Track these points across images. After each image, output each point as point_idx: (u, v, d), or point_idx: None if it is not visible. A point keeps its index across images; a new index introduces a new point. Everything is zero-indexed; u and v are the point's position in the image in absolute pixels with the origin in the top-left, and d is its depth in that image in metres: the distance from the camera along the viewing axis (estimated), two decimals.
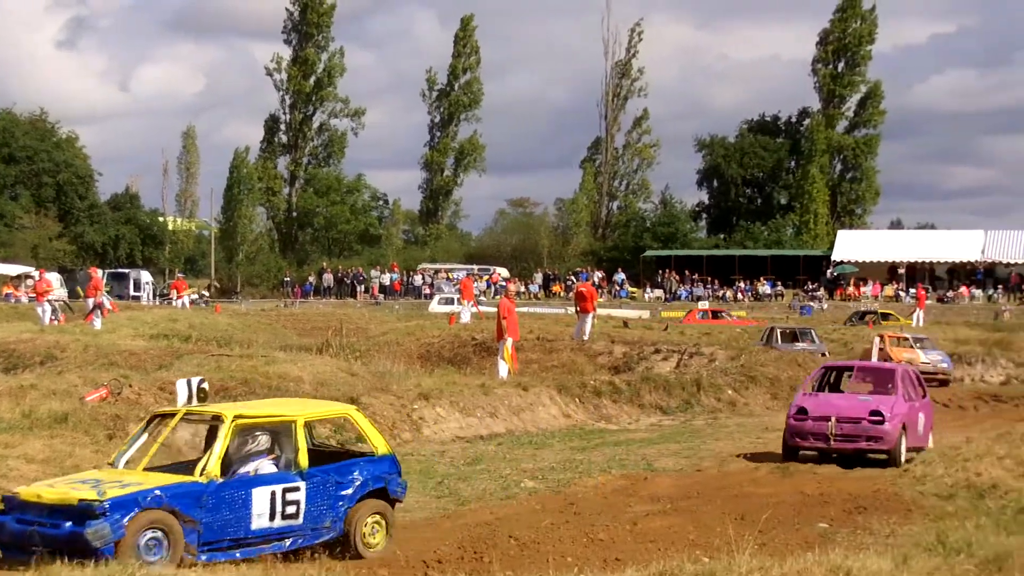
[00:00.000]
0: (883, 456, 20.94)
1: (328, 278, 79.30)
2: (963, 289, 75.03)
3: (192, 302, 61.52)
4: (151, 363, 28.01)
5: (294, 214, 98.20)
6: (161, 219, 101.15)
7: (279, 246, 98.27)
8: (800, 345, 40.02)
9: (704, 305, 63.59)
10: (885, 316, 56.35)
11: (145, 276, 75.80)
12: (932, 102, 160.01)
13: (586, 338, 37.42)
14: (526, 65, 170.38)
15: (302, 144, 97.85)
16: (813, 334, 42.58)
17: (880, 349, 35.38)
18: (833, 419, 20.99)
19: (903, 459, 20.75)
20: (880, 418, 20.98)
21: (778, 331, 42.51)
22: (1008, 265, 77.80)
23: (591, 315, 37.93)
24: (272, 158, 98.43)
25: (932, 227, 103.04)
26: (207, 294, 78.25)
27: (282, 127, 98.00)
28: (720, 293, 78.76)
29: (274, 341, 38.46)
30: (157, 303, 65.03)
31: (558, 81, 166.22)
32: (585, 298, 38.26)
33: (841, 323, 55.75)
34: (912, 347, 37.92)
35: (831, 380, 23.98)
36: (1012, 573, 10.48)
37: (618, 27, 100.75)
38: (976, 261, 78.28)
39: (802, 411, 21.50)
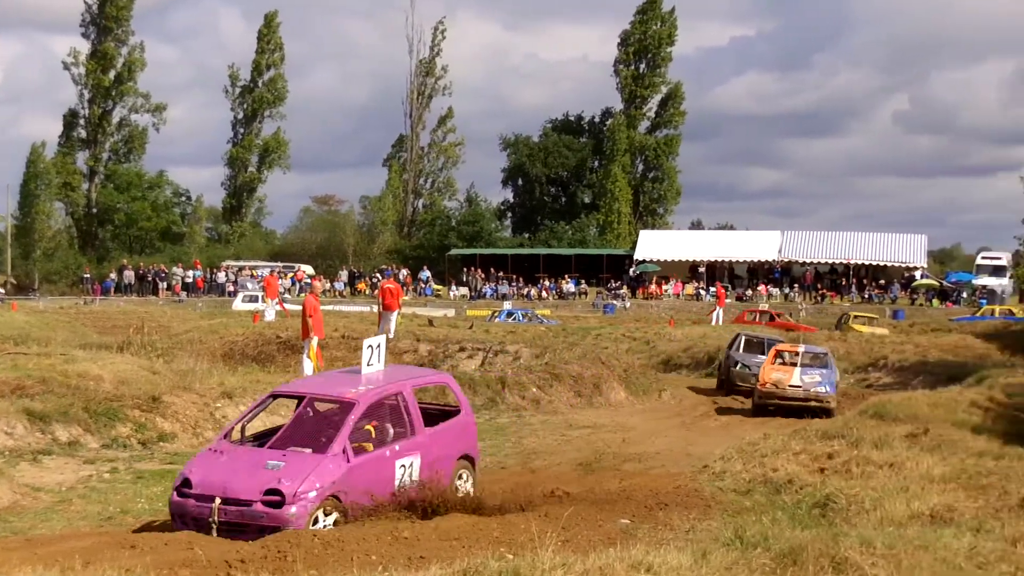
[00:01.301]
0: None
1: (129, 275, 77.73)
2: (761, 287, 76.65)
3: None
4: None
5: (94, 210, 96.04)
6: None
7: (79, 242, 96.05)
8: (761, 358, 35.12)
9: (763, 306, 62.62)
10: (870, 320, 54.95)
11: None
12: (732, 104, 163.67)
13: (391, 336, 37.33)
14: (331, 62, 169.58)
15: (102, 139, 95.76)
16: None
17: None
18: (218, 500, 14.30)
19: None
20: (279, 499, 14.25)
21: (743, 339, 38.57)
22: (804, 264, 79.74)
23: (395, 313, 37.85)
24: (71, 153, 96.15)
25: (731, 227, 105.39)
26: (3, 291, 76.02)
27: (81, 122, 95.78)
28: (525, 291, 79.24)
29: (74, 339, 37.62)
30: None
31: (363, 79, 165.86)
32: (389, 296, 38.20)
33: (643, 321, 56.55)
34: (792, 365, 31.86)
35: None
36: (806, 565, 10.70)
37: (422, 25, 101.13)
38: (774, 260, 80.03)
39: (187, 483, 14.64)
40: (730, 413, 32.76)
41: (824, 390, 30.43)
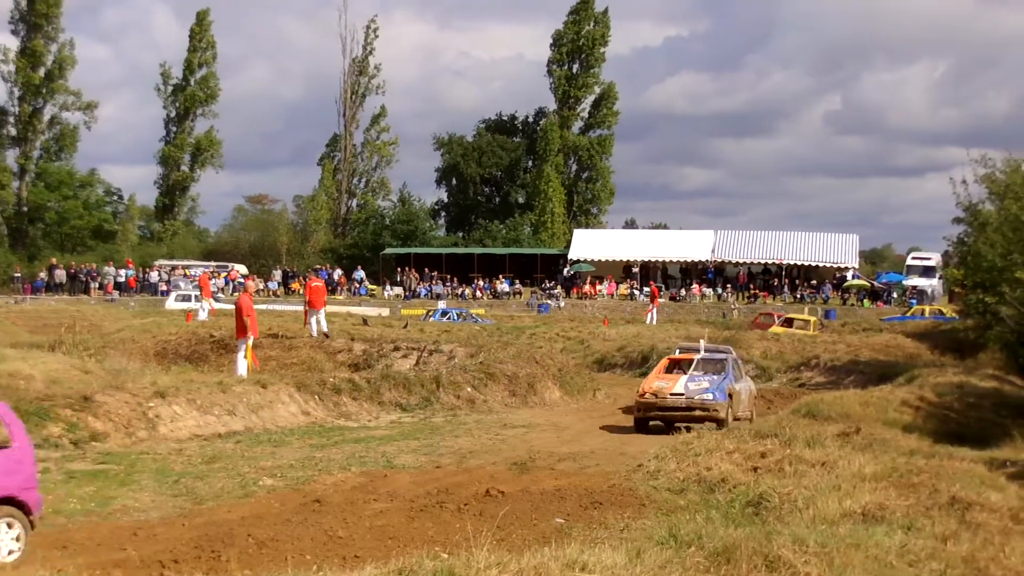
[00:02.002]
0: None
1: (60, 274, 76.95)
2: (695, 288, 76.97)
3: None
4: None
5: (24, 208, 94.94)
6: None
7: (8, 241, 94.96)
8: None
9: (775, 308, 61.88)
10: (789, 322, 54.40)
11: None
12: (666, 104, 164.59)
13: (323, 331, 37.21)
14: (264, 61, 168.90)
15: (32, 137, 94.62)
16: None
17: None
18: None
19: None
20: None
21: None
22: (737, 264, 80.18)
23: (322, 311, 37.78)
24: (0, 151, 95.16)
25: (665, 227, 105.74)
26: None
27: (11, 119, 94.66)
28: (459, 291, 79.21)
29: (4, 338, 37.23)
30: None
31: (297, 77, 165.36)
32: (315, 294, 38.21)
33: (577, 321, 56.72)
34: (679, 372, 29.22)
35: None
36: (740, 564, 10.78)
37: (356, 24, 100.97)
38: (707, 260, 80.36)
39: None
40: None
41: (711, 397, 26.95)
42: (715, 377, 27.97)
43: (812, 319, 55.18)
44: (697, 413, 26.70)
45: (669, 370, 29.41)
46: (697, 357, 29.52)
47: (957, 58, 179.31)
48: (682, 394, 27.10)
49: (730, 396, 27.44)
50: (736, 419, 27.40)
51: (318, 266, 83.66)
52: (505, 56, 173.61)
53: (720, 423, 26.17)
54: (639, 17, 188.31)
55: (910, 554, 12.15)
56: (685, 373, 28.51)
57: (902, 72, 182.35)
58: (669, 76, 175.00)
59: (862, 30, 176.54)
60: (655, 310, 59.44)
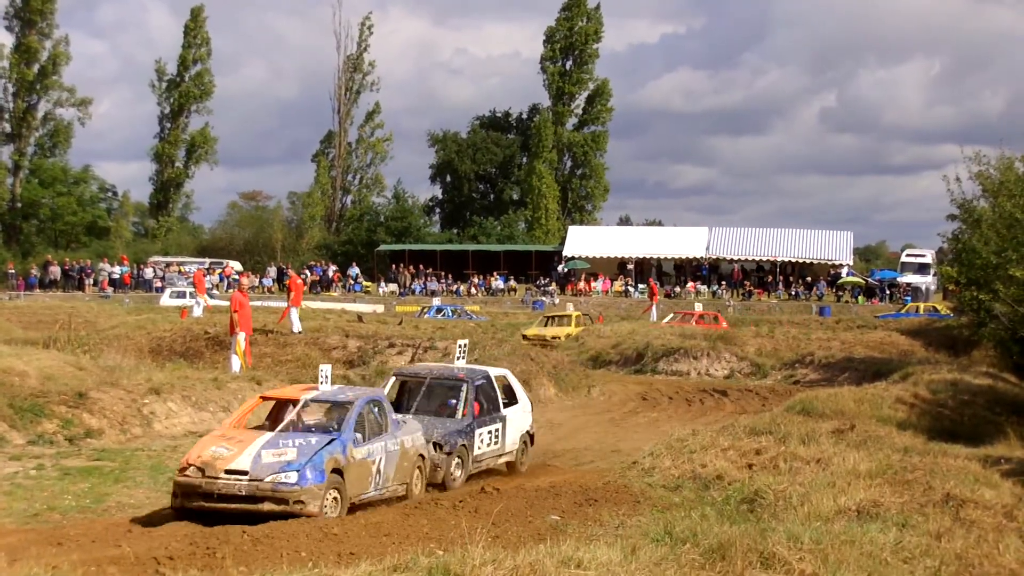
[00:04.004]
0: None
1: (55, 270, 76.90)
2: (690, 285, 76.93)
3: None
4: None
5: (18, 205, 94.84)
6: None
7: (2, 237, 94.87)
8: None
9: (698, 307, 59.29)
10: (552, 320, 52.49)
11: None
12: (662, 101, 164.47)
13: (297, 330, 37.18)
14: (259, 58, 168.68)
15: (26, 133, 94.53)
16: None
17: None
18: None
19: None
20: None
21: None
22: (731, 261, 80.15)
23: (296, 309, 37.80)
24: None
25: (659, 224, 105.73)
26: None
27: (5, 116, 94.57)
28: (454, 288, 79.16)
29: None
30: None
31: (291, 74, 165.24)
32: (299, 291, 38.30)
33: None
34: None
35: None
36: (735, 560, 10.82)
37: (350, 20, 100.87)
38: (701, 257, 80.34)
39: None
40: (659, 409, 32.97)
41: (291, 480, 15.90)
42: (313, 441, 16.76)
43: (575, 314, 53.85)
44: (266, 507, 15.74)
45: (273, 417, 18.19)
46: (303, 399, 18.03)
47: (951, 56, 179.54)
48: (245, 472, 16.01)
49: (340, 472, 16.49)
50: (357, 505, 16.98)
51: (313, 263, 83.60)
52: (500, 53, 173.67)
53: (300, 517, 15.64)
54: (636, 15, 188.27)
55: (904, 551, 12.19)
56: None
57: (896, 70, 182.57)
58: (665, 73, 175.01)
59: (857, 28, 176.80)
60: (655, 307, 59.39)
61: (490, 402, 21.26)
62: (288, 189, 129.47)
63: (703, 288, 76.58)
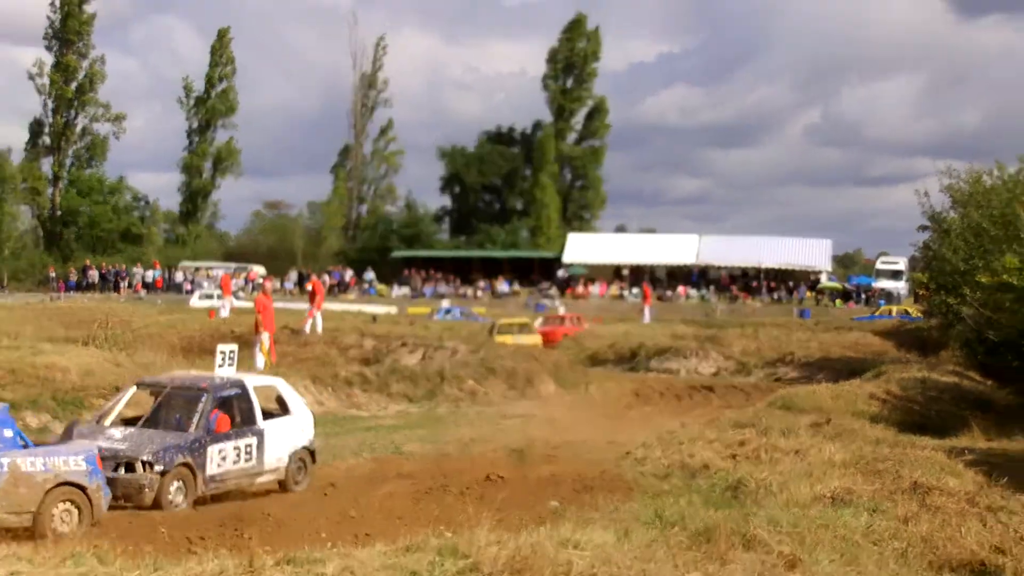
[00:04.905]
0: None
1: (92, 274, 77.06)
2: (681, 289, 76.94)
3: None
4: None
5: (58, 213, 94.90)
6: None
7: (44, 243, 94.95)
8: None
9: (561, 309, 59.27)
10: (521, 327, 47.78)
11: None
12: (658, 116, 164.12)
13: (307, 331, 37.22)
14: (281, 76, 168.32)
15: (65, 147, 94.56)
16: None
17: None
18: None
19: None
20: None
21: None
22: (719, 267, 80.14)
23: (318, 312, 37.87)
24: (37, 159, 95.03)
25: (654, 231, 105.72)
26: None
27: (46, 130, 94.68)
28: (462, 291, 79.22)
29: (41, 333, 37.18)
30: None
31: (311, 91, 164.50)
32: (315, 294, 38.39)
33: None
34: None
35: None
36: (719, 542, 10.91)
37: (365, 41, 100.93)
38: (692, 263, 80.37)
39: None
40: (651, 404, 33.05)
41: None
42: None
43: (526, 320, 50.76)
44: None
45: None
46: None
47: (928, 75, 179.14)
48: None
49: None
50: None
51: (331, 268, 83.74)
52: (507, 71, 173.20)
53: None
54: (635, 35, 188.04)
55: (875, 534, 12.30)
56: None
57: (877, 88, 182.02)
58: (662, 90, 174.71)
59: (841, 49, 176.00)
60: (648, 308, 59.42)
61: (243, 415, 17.38)
62: (308, 199, 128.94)
63: (693, 292, 76.58)
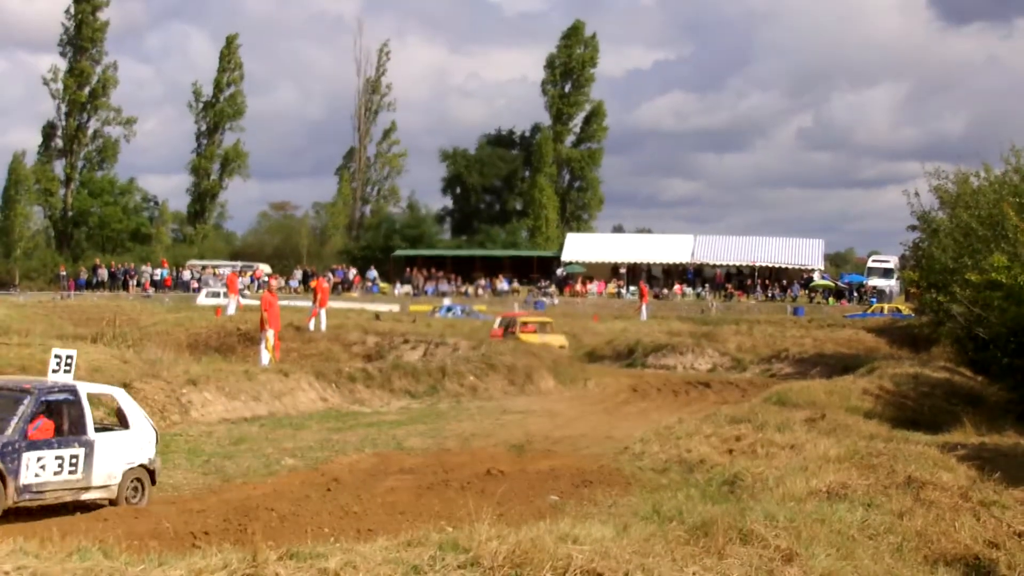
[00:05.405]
0: None
1: (102, 273, 77.02)
2: (676, 287, 76.83)
3: None
4: None
5: (70, 213, 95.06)
6: None
7: (55, 243, 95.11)
8: None
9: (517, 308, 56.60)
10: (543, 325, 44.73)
11: None
12: (654, 121, 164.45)
13: (312, 328, 37.14)
14: (287, 81, 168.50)
15: (77, 149, 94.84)
16: None
17: None
18: None
19: None
20: None
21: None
22: (714, 266, 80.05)
23: (322, 309, 37.75)
24: (49, 161, 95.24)
25: (649, 231, 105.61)
26: None
27: (59, 133, 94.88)
28: (463, 290, 79.13)
29: (51, 331, 37.12)
30: None
31: (317, 96, 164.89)
32: (326, 293, 38.32)
33: (570, 317, 56.59)
34: None
35: None
36: (716, 536, 10.78)
37: (369, 48, 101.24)
38: (687, 262, 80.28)
39: None
40: (648, 400, 32.92)
41: None
42: None
43: None
44: None
45: None
46: None
47: (916, 81, 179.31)
48: None
49: None
50: None
51: (335, 266, 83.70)
52: (508, 77, 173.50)
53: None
54: (632, 43, 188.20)
55: (870, 528, 12.17)
56: None
57: (866, 94, 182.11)
58: (658, 96, 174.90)
59: (831, 56, 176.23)
60: (645, 306, 59.36)
61: (72, 423, 14.93)
62: (313, 200, 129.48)
63: (688, 291, 76.49)
